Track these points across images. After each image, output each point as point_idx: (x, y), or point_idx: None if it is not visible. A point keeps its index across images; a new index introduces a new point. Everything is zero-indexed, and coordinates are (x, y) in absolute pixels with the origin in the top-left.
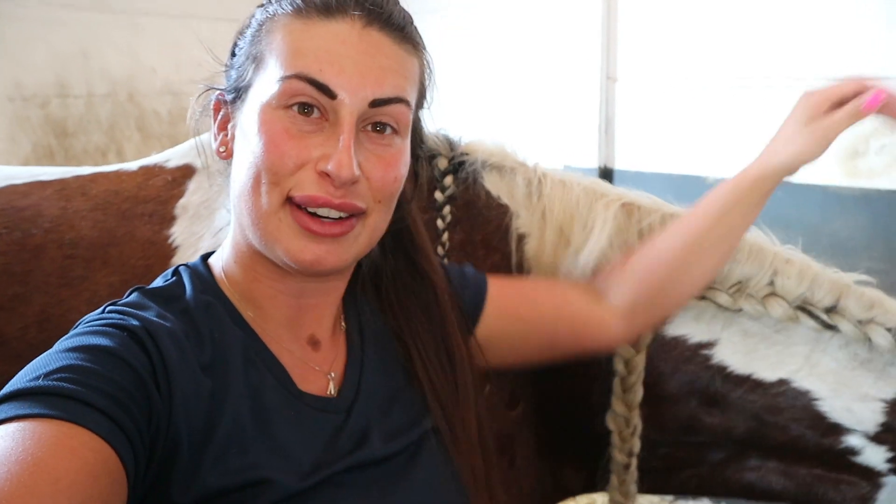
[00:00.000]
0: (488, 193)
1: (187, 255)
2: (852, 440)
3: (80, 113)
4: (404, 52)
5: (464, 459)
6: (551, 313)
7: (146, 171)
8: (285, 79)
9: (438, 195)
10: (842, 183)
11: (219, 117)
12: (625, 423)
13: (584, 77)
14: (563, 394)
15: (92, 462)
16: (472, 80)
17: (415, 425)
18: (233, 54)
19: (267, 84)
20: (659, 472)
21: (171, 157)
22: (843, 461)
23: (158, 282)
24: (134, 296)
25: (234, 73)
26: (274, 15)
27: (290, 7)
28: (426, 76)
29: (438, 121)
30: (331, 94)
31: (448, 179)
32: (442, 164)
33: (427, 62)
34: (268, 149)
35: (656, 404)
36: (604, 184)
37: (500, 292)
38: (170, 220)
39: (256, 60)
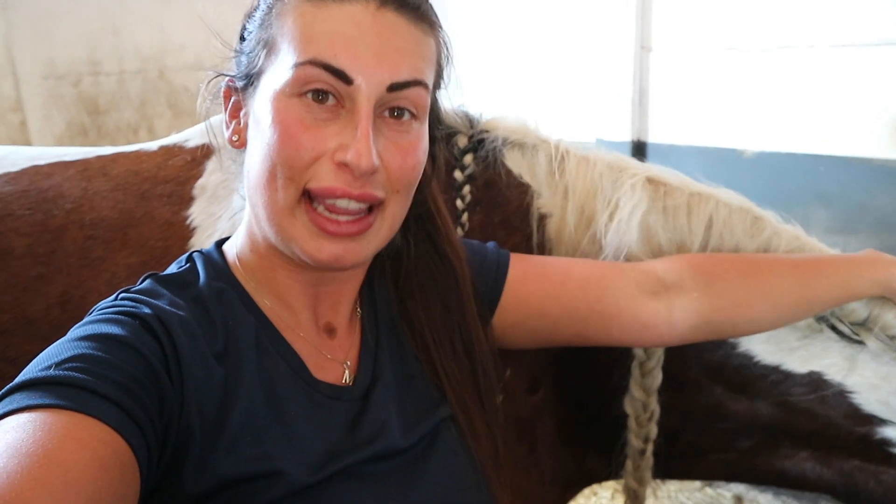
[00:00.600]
0: (509, 172)
1: (205, 235)
2: (888, 431)
3: (112, 90)
4: (420, 32)
5: (482, 450)
6: (583, 309)
7: (166, 150)
8: (299, 65)
9: (458, 174)
10: (888, 156)
11: (230, 105)
12: (642, 407)
13: (617, 47)
14: (584, 377)
15: (102, 454)
16: (504, 52)
17: (430, 415)
18: (241, 38)
19: (280, 71)
20: (685, 458)
21: (191, 136)
22: (880, 452)
23: (172, 268)
24: (147, 283)
25: (244, 59)
26: None
27: None
28: (443, 56)
29: (468, 96)
30: (347, 80)
31: (468, 158)
32: (461, 142)
33: (443, 41)
34: (283, 140)
35: (680, 390)
36: (627, 159)
37: (523, 284)
38: (188, 200)
39: (268, 46)
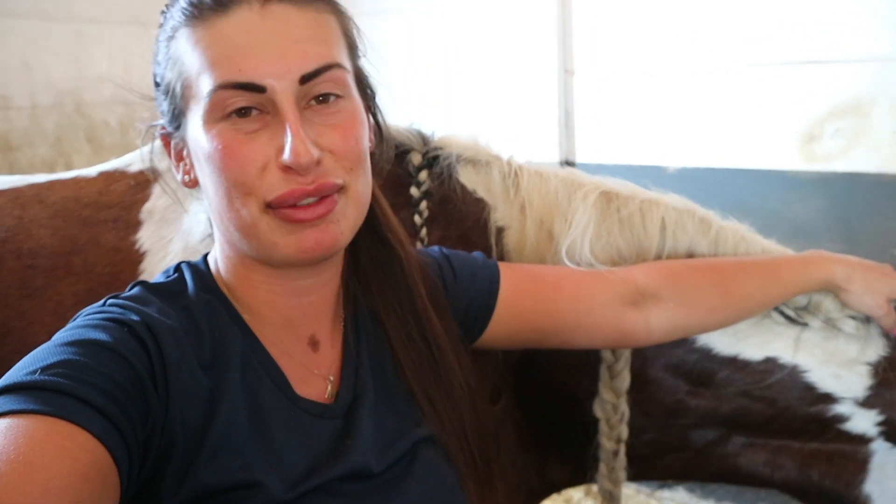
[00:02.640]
0: (464, 188)
1: (156, 259)
2: (841, 408)
3: (24, 125)
4: (315, 12)
5: (458, 458)
6: (572, 322)
7: (107, 176)
8: (211, 93)
9: (414, 191)
10: (800, 167)
11: (172, 149)
12: (612, 409)
13: (541, 72)
14: (548, 385)
15: (84, 462)
16: (430, 78)
17: (408, 435)
18: (157, 84)
19: (198, 102)
20: (644, 459)
21: (133, 161)
22: (832, 430)
23: (160, 277)
24: (136, 290)
25: (165, 104)
26: (174, 31)
27: (184, 16)
28: (349, 26)
29: (399, 119)
30: (259, 89)
31: (423, 175)
32: (416, 159)
33: (342, 11)
34: (226, 164)
35: (642, 389)
36: (581, 174)
37: (516, 299)
38: (135, 225)
39: (182, 83)
